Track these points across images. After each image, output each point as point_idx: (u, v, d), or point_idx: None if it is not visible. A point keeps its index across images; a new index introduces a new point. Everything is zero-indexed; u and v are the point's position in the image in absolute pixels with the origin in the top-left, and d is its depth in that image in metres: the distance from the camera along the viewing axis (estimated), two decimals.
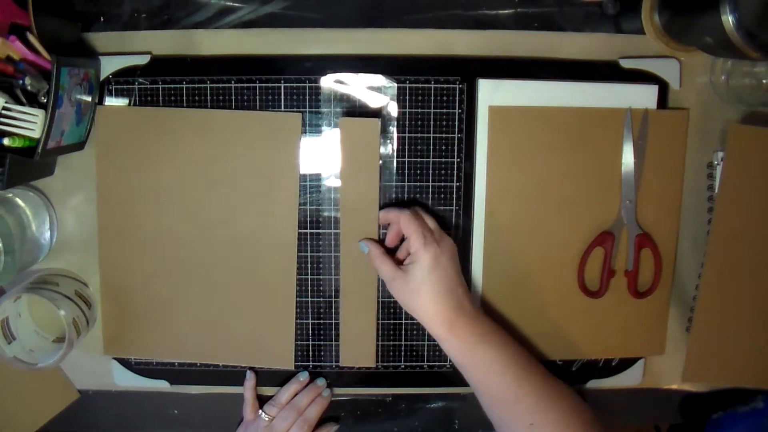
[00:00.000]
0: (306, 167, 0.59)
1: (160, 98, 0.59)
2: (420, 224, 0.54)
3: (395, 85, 0.58)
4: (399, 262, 0.56)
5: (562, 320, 0.61)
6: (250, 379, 0.62)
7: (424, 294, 0.53)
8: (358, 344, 0.61)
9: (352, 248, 0.59)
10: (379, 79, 0.58)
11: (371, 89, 0.58)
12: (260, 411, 0.61)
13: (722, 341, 0.60)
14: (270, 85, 0.59)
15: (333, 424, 0.65)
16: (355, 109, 0.59)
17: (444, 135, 0.59)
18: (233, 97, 0.59)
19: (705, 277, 0.59)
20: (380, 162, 0.59)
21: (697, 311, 0.60)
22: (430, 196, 0.60)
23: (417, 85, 0.59)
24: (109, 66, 0.58)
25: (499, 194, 0.59)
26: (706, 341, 0.60)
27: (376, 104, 0.59)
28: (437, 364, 0.63)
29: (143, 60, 0.58)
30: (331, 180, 0.60)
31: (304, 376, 0.62)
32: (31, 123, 0.50)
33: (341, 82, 0.58)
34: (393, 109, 0.58)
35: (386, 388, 0.64)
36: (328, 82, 0.58)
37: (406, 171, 0.60)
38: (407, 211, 0.55)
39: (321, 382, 0.63)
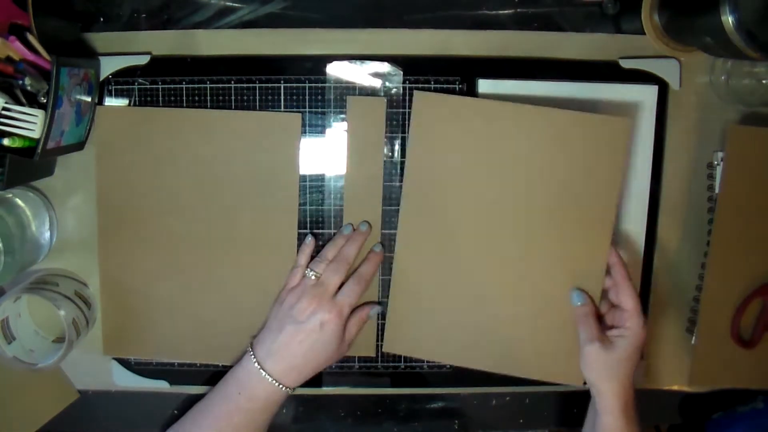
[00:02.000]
0: (306, 167, 0.59)
1: (160, 98, 0.59)
2: (638, 301, 0.54)
3: (401, 73, 0.58)
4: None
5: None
6: (310, 244, 0.59)
7: (621, 371, 0.52)
8: (364, 332, 0.61)
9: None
10: (384, 66, 0.58)
11: (376, 76, 0.58)
12: (307, 270, 0.57)
13: (727, 343, 0.60)
14: (270, 85, 0.59)
15: (376, 305, 0.60)
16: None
17: None
18: (233, 97, 0.59)
19: (708, 279, 0.59)
20: (384, 159, 0.59)
21: (702, 313, 0.60)
22: None
23: (417, 85, 0.59)
24: (109, 66, 0.58)
25: (416, 190, 0.58)
26: (711, 344, 0.60)
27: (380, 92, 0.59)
28: (437, 364, 0.63)
29: (143, 60, 0.58)
30: (332, 179, 0.60)
31: (348, 230, 0.59)
32: (31, 123, 0.50)
33: (347, 70, 0.58)
34: (397, 97, 0.58)
35: (386, 388, 0.64)
36: (333, 69, 0.58)
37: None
38: (628, 281, 0.54)
39: (364, 227, 0.59)
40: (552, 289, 0.57)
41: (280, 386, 0.54)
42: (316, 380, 0.63)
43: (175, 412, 0.65)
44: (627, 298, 0.54)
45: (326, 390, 0.64)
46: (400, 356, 0.62)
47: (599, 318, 0.56)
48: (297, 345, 0.55)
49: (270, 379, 0.54)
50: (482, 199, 0.57)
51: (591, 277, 0.57)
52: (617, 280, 0.55)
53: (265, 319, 0.58)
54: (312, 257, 0.59)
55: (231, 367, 0.59)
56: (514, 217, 0.57)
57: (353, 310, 0.58)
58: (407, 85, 0.59)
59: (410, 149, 0.57)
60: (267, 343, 0.55)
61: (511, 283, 0.58)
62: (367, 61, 0.58)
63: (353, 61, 0.58)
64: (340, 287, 0.57)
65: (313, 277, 0.57)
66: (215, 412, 0.55)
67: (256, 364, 0.54)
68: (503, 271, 0.58)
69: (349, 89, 0.59)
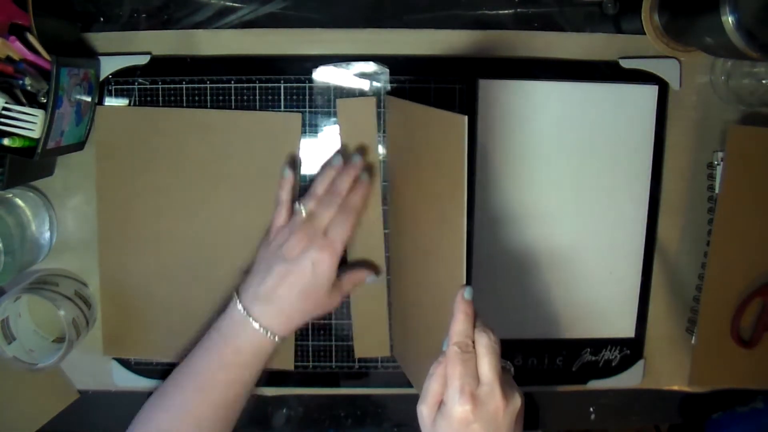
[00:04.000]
0: (306, 167, 0.59)
1: (160, 98, 0.59)
2: (464, 369, 0.41)
3: (387, 70, 0.58)
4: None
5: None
6: (289, 178, 0.55)
7: None
8: (371, 334, 0.61)
9: (358, 232, 0.59)
10: (370, 66, 0.58)
11: (364, 77, 0.58)
12: (296, 203, 0.54)
13: (727, 343, 0.60)
14: (270, 85, 0.59)
15: (374, 274, 0.58)
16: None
17: None
18: (233, 97, 0.59)
19: (708, 280, 0.59)
20: (380, 159, 0.59)
21: (701, 314, 0.60)
22: None
23: (417, 85, 0.59)
24: (108, 66, 0.58)
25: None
26: (711, 344, 0.60)
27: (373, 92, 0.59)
28: None
29: (143, 60, 0.58)
30: None
31: (338, 161, 0.55)
32: (31, 123, 0.50)
33: (334, 73, 0.58)
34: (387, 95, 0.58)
35: (386, 388, 0.64)
36: (320, 75, 0.58)
37: None
38: (455, 348, 0.42)
39: (357, 159, 0.55)
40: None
41: (268, 334, 0.51)
42: (316, 380, 0.63)
43: None
44: (448, 366, 0.42)
45: (326, 390, 0.63)
46: None
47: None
48: (287, 288, 0.51)
49: (257, 326, 0.50)
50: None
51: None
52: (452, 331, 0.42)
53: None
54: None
55: None
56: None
57: (351, 267, 0.56)
58: (407, 86, 0.59)
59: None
60: (254, 287, 0.51)
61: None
62: (353, 63, 0.58)
63: (339, 63, 0.58)
64: None
65: (303, 214, 0.53)
66: (198, 370, 0.51)
67: (242, 310, 0.50)
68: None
69: (338, 92, 0.59)
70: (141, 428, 0.52)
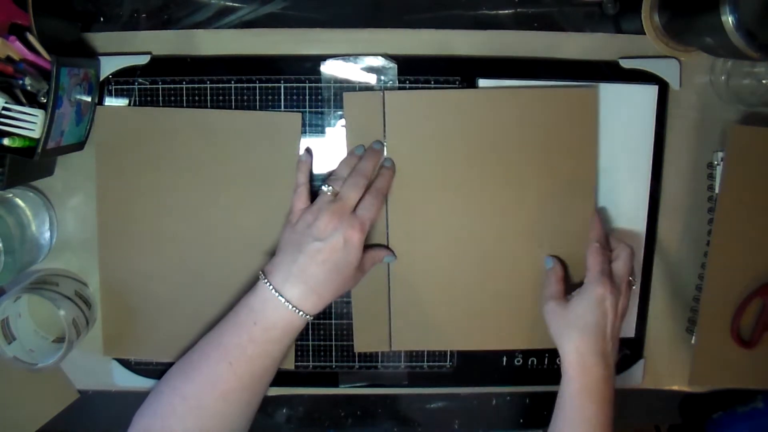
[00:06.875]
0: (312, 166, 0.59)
1: (160, 98, 0.59)
2: (602, 260, 0.54)
3: (395, 65, 0.58)
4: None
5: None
6: (306, 161, 0.57)
7: (576, 330, 0.52)
8: (372, 328, 0.61)
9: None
10: (378, 61, 0.58)
11: (371, 71, 0.58)
12: (322, 186, 0.55)
13: (727, 343, 0.60)
14: (270, 85, 0.59)
15: (392, 253, 0.59)
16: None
17: None
18: (233, 97, 0.59)
19: (708, 279, 0.59)
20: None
21: (702, 313, 0.60)
22: None
23: (417, 85, 0.59)
24: (108, 66, 0.58)
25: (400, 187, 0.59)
26: (711, 344, 0.60)
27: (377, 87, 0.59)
28: (437, 364, 0.63)
29: (143, 60, 0.58)
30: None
31: (360, 150, 0.57)
32: (31, 123, 0.50)
33: (341, 67, 0.58)
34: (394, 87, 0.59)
35: (387, 388, 0.64)
36: (328, 68, 0.58)
37: None
38: (596, 244, 0.56)
39: (378, 146, 0.57)
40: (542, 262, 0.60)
41: (300, 313, 0.51)
42: (316, 380, 0.63)
43: None
44: (589, 258, 0.55)
45: (326, 390, 0.64)
46: (400, 356, 0.62)
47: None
48: (319, 265, 0.51)
49: (289, 306, 0.51)
50: (466, 186, 0.59)
51: (577, 245, 0.59)
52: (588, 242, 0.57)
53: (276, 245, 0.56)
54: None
55: None
56: (502, 198, 0.59)
57: (369, 248, 0.57)
58: (407, 85, 0.59)
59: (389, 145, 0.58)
60: (285, 266, 0.52)
61: (506, 262, 0.60)
62: (361, 57, 0.58)
63: (347, 58, 0.58)
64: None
65: (329, 194, 0.54)
66: (226, 343, 0.52)
67: (273, 291, 0.51)
68: (495, 252, 0.59)
69: (345, 87, 0.59)
70: (166, 397, 0.53)
